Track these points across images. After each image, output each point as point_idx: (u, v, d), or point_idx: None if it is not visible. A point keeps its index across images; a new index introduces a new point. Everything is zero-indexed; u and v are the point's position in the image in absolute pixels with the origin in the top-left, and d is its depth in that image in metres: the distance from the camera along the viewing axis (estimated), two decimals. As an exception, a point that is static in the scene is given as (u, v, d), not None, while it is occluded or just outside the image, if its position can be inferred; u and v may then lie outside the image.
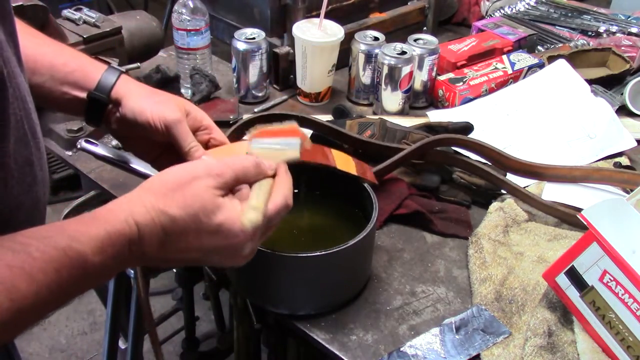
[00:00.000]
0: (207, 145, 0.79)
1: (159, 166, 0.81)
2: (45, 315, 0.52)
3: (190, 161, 0.74)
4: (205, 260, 0.63)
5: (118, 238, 0.54)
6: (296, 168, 0.93)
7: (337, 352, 0.82)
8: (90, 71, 0.76)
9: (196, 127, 0.78)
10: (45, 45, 0.75)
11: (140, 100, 0.75)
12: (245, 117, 1.07)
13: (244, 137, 0.78)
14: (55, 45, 0.76)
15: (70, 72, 0.74)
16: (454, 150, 1.11)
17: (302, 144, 0.75)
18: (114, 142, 1.16)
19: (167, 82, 1.30)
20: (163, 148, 0.80)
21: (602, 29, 1.59)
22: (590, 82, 1.37)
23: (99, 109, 0.76)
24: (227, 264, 0.66)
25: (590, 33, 1.59)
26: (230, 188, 0.64)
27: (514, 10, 1.73)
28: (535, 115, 1.28)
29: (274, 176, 0.68)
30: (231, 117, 1.27)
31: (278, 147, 0.73)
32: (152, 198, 0.58)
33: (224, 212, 0.60)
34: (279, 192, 0.66)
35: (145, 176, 0.92)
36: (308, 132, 1.09)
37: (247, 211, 0.61)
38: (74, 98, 0.75)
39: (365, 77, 1.35)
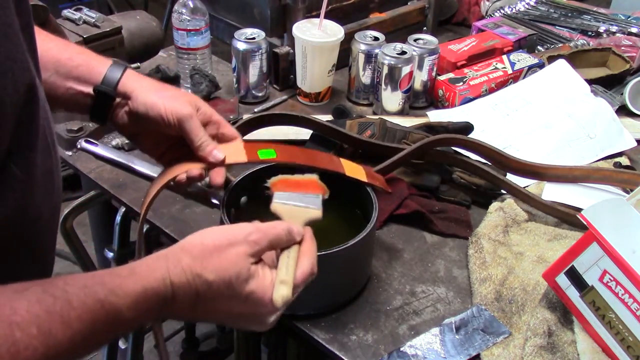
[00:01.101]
0: (217, 139, 0.79)
1: (166, 161, 0.80)
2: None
3: (202, 155, 0.75)
4: (230, 323, 0.66)
5: (153, 297, 0.56)
6: (296, 168, 0.94)
7: (337, 352, 0.82)
8: (96, 65, 0.75)
9: (205, 121, 0.78)
10: (50, 41, 0.75)
11: (152, 94, 0.74)
12: (245, 117, 1.07)
13: (265, 184, 0.79)
14: (59, 40, 0.76)
15: (75, 67, 0.74)
16: (454, 150, 1.11)
17: (323, 200, 0.76)
18: (114, 142, 1.16)
19: (167, 82, 1.29)
20: (170, 143, 0.79)
21: (602, 29, 1.59)
22: (590, 82, 1.37)
23: (104, 105, 0.75)
24: (250, 329, 0.68)
25: (590, 33, 1.59)
26: (262, 254, 0.65)
27: (514, 10, 1.73)
28: (535, 115, 1.28)
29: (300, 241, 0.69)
30: (231, 117, 1.27)
31: (301, 205, 0.75)
32: (189, 260, 0.59)
33: (256, 281, 0.62)
34: (306, 260, 0.67)
35: (145, 176, 0.92)
36: (304, 133, 1.09)
37: (278, 287, 0.62)
38: (79, 93, 0.74)
39: (365, 77, 1.35)
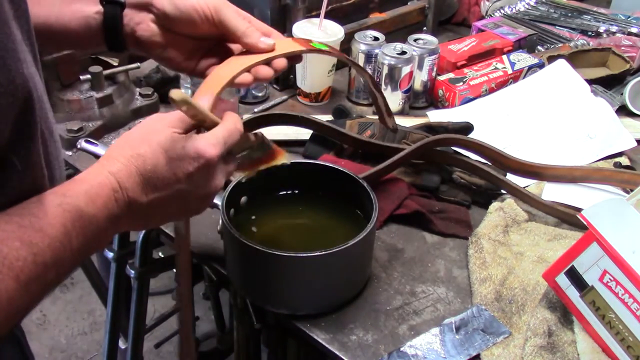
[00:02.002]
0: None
1: (201, 70, 0.75)
2: (64, 275, 0.54)
3: (248, 44, 0.69)
4: (192, 193, 0.62)
5: (102, 189, 0.56)
6: (296, 168, 0.94)
7: (337, 352, 0.82)
8: None
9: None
10: None
11: None
12: (245, 117, 1.07)
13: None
14: None
15: None
16: (454, 150, 1.11)
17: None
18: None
19: (167, 82, 1.30)
20: (204, 50, 0.74)
21: (602, 29, 1.59)
22: (590, 82, 1.37)
23: (116, 21, 0.69)
24: (206, 194, 0.64)
25: (590, 33, 1.59)
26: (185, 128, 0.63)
27: (514, 10, 1.73)
28: (535, 115, 1.28)
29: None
30: (231, 117, 1.27)
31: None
32: (119, 150, 0.60)
33: (186, 139, 0.61)
34: (229, 118, 0.64)
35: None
36: (304, 133, 1.09)
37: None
38: (87, 18, 0.69)
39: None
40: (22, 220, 0.50)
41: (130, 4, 0.70)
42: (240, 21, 0.68)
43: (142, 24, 0.70)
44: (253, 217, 0.93)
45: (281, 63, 0.71)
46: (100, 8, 0.69)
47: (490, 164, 1.10)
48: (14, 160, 0.52)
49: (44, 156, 0.56)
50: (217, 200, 0.85)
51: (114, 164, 0.59)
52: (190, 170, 0.61)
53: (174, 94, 0.57)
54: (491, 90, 1.36)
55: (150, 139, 0.60)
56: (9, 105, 0.49)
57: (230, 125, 0.64)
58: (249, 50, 0.70)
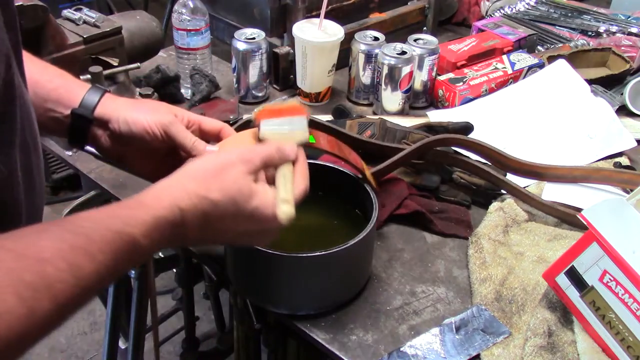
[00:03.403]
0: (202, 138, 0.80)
1: (159, 177, 0.81)
2: (97, 294, 0.54)
3: (196, 155, 0.76)
4: (236, 241, 0.69)
5: (164, 224, 0.58)
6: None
7: (337, 352, 0.82)
8: (74, 88, 0.75)
9: (185, 125, 0.79)
10: (30, 62, 0.74)
11: (132, 112, 0.75)
12: (245, 117, 1.07)
13: (250, 116, 0.80)
14: (40, 62, 0.76)
15: (54, 89, 0.74)
16: (454, 150, 1.11)
17: (307, 122, 0.78)
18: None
19: (167, 82, 1.30)
20: (158, 158, 0.80)
21: (602, 29, 1.59)
22: (590, 82, 1.37)
23: (82, 128, 0.76)
24: (254, 244, 0.72)
25: (590, 33, 1.59)
26: (258, 173, 0.68)
27: (514, 10, 1.73)
28: (535, 115, 1.28)
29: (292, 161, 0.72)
30: (231, 117, 1.27)
31: (287, 128, 0.77)
32: (193, 184, 0.62)
33: (258, 197, 0.65)
34: (302, 179, 0.70)
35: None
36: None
37: (281, 205, 0.66)
38: (57, 116, 0.75)
39: (365, 77, 1.35)
40: (75, 240, 0.51)
41: (94, 118, 0.76)
42: (188, 137, 0.76)
43: (101, 137, 0.77)
44: None
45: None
46: (69, 113, 0.75)
47: (490, 164, 1.10)
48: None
49: (24, 166, 0.56)
50: None
51: (186, 199, 0.61)
52: (251, 229, 0.67)
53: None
54: (491, 90, 1.36)
55: (224, 179, 0.64)
56: None
57: (302, 188, 0.70)
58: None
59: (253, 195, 0.65)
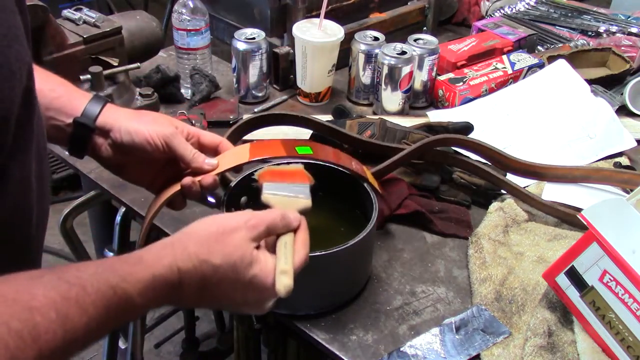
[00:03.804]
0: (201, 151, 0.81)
1: (157, 187, 0.81)
2: (85, 348, 0.53)
3: (195, 167, 0.77)
4: (232, 307, 0.68)
5: (161, 283, 0.58)
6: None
7: (337, 352, 0.82)
8: (76, 98, 0.76)
9: (185, 137, 0.80)
10: (34, 70, 0.75)
11: (133, 122, 0.76)
12: (245, 117, 1.07)
13: (253, 176, 0.80)
14: (42, 71, 0.75)
15: (57, 98, 0.74)
16: (454, 150, 1.11)
17: (310, 189, 0.78)
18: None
19: (167, 82, 1.30)
20: (157, 168, 0.80)
21: (602, 29, 1.59)
22: (590, 82, 1.37)
23: (83, 137, 0.76)
24: (249, 313, 0.71)
25: (590, 33, 1.59)
26: (261, 239, 0.67)
27: (514, 10, 1.73)
28: (535, 115, 1.28)
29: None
30: (231, 117, 1.27)
31: (290, 194, 0.76)
32: (195, 246, 0.61)
33: (259, 265, 0.64)
34: (302, 248, 0.69)
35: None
36: (304, 133, 1.09)
37: (280, 277, 0.64)
38: (58, 124, 0.75)
39: (365, 77, 1.35)
40: (69, 291, 0.50)
41: (96, 127, 0.76)
42: (188, 149, 0.77)
43: (102, 146, 0.77)
44: None
45: (208, 180, 0.78)
46: (71, 122, 0.75)
47: (490, 164, 1.10)
48: (12, 170, 0.52)
49: (37, 172, 0.57)
50: (212, 199, 0.85)
51: (186, 260, 0.60)
52: (249, 297, 0.66)
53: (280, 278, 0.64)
54: (491, 90, 1.36)
55: (226, 244, 0.63)
56: (16, 115, 0.49)
57: (302, 257, 0.69)
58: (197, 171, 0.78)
59: (254, 262, 0.64)
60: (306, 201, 0.76)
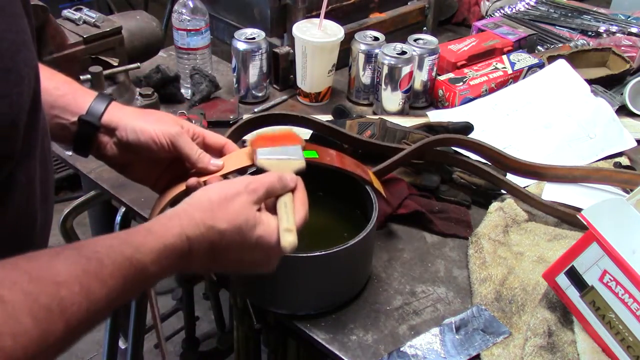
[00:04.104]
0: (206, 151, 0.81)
1: (161, 187, 0.81)
2: (106, 317, 0.55)
3: (201, 167, 0.77)
4: (241, 269, 0.70)
5: (172, 252, 0.60)
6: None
7: (337, 352, 0.82)
8: (81, 96, 0.75)
9: (190, 136, 0.79)
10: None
11: (139, 121, 0.76)
12: (245, 117, 1.07)
13: (244, 142, 0.80)
14: (46, 69, 0.75)
15: (61, 96, 0.74)
16: (454, 150, 1.11)
17: (303, 149, 0.79)
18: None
19: (167, 82, 1.30)
20: (162, 168, 0.80)
21: (602, 29, 1.59)
22: (590, 82, 1.37)
23: (88, 136, 0.76)
24: (258, 272, 0.72)
25: (590, 33, 1.59)
26: (262, 202, 0.69)
27: (514, 10, 1.73)
28: (535, 115, 1.28)
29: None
30: (231, 117, 1.27)
31: (283, 157, 0.78)
32: (201, 214, 0.64)
33: (262, 226, 0.67)
34: (301, 207, 0.71)
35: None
36: (304, 133, 1.09)
37: (284, 235, 0.67)
38: (63, 123, 0.75)
39: (365, 77, 1.35)
40: (88, 265, 0.52)
41: (101, 125, 0.76)
42: (194, 149, 0.77)
43: (107, 144, 0.77)
44: None
45: (214, 181, 0.78)
46: (75, 122, 0.75)
47: (490, 164, 1.10)
48: (18, 175, 0.52)
49: (41, 176, 0.57)
50: None
51: (194, 228, 0.62)
52: (256, 257, 0.68)
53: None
54: (491, 90, 1.36)
55: (230, 209, 0.65)
56: (25, 120, 0.49)
57: (303, 215, 0.71)
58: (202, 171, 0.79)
59: (257, 224, 0.66)
60: (300, 161, 0.77)
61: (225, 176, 0.79)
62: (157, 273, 0.59)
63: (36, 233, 0.60)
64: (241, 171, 0.82)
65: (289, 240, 0.66)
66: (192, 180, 0.76)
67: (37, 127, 0.54)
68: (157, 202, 0.80)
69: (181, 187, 0.77)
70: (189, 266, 0.63)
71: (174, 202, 0.78)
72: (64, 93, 0.75)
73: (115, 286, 0.53)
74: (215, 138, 0.82)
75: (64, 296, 0.49)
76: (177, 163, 0.78)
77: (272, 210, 0.70)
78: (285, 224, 0.68)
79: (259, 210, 0.68)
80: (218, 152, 0.81)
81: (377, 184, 0.90)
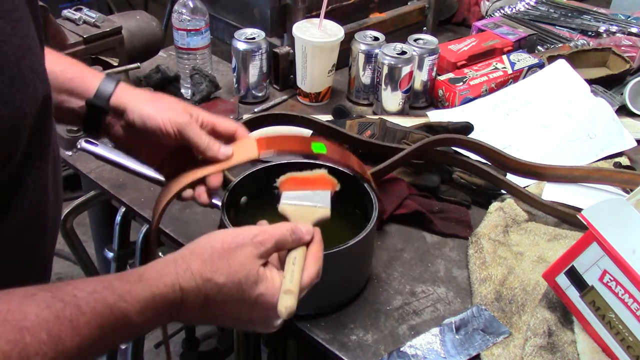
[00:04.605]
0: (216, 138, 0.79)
1: (166, 172, 0.80)
2: None
3: (210, 155, 0.75)
4: (237, 325, 0.67)
5: (161, 302, 0.56)
6: (297, 168, 0.94)
7: (337, 352, 0.82)
8: (89, 78, 0.75)
9: (200, 125, 0.78)
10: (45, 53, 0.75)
11: (147, 106, 0.74)
12: (246, 117, 1.07)
13: (275, 185, 0.79)
14: (53, 53, 0.75)
15: (69, 79, 0.74)
16: (454, 150, 1.11)
17: (332, 196, 0.76)
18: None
19: (167, 82, 1.30)
20: (167, 153, 0.79)
21: (602, 29, 1.59)
22: (590, 82, 1.37)
23: (97, 118, 0.75)
24: (254, 331, 0.68)
25: (590, 33, 1.59)
26: (269, 256, 0.65)
27: (514, 10, 1.73)
28: (535, 115, 1.28)
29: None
30: (231, 117, 1.27)
31: (309, 203, 0.74)
32: (199, 264, 0.60)
33: (265, 283, 0.62)
34: (314, 264, 0.67)
35: (145, 176, 0.92)
36: (304, 133, 1.09)
37: (283, 297, 0.61)
38: (71, 106, 0.74)
39: (365, 77, 1.35)
40: (63, 310, 0.48)
41: (110, 107, 0.75)
42: (202, 138, 0.74)
43: (115, 126, 0.76)
44: (253, 217, 0.93)
45: (216, 180, 0.77)
46: (84, 105, 0.74)
47: (490, 164, 1.10)
48: (26, 180, 0.52)
49: (53, 180, 0.57)
50: (217, 201, 0.85)
51: (189, 280, 0.58)
52: (254, 316, 0.63)
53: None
54: (491, 90, 1.36)
55: (232, 262, 0.61)
56: (30, 125, 0.49)
57: (313, 275, 0.66)
58: (211, 160, 0.76)
59: (259, 281, 0.62)
60: (324, 210, 0.74)
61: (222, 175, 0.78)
62: (141, 324, 0.55)
63: (46, 236, 0.59)
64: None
65: (285, 304, 0.60)
66: (188, 193, 0.75)
67: (49, 132, 0.54)
68: (162, 192, 0.78)
69: (195, 175, 0.75)
70: (179, 317, 0.59)
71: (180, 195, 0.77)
72: (71, 77, 0.74)
73: (91, 336, 0.49)
74: (226, 125, 0.79)
75: (28, 343, 0.45)
76: (185, 148, 0.77)
77: (284, 264, 0.65)
78: (287, 285, 0.62)
79: (265, 264, 0.63)
80: (230, 139, 0.79)
81: (369, 178, 0.90)
